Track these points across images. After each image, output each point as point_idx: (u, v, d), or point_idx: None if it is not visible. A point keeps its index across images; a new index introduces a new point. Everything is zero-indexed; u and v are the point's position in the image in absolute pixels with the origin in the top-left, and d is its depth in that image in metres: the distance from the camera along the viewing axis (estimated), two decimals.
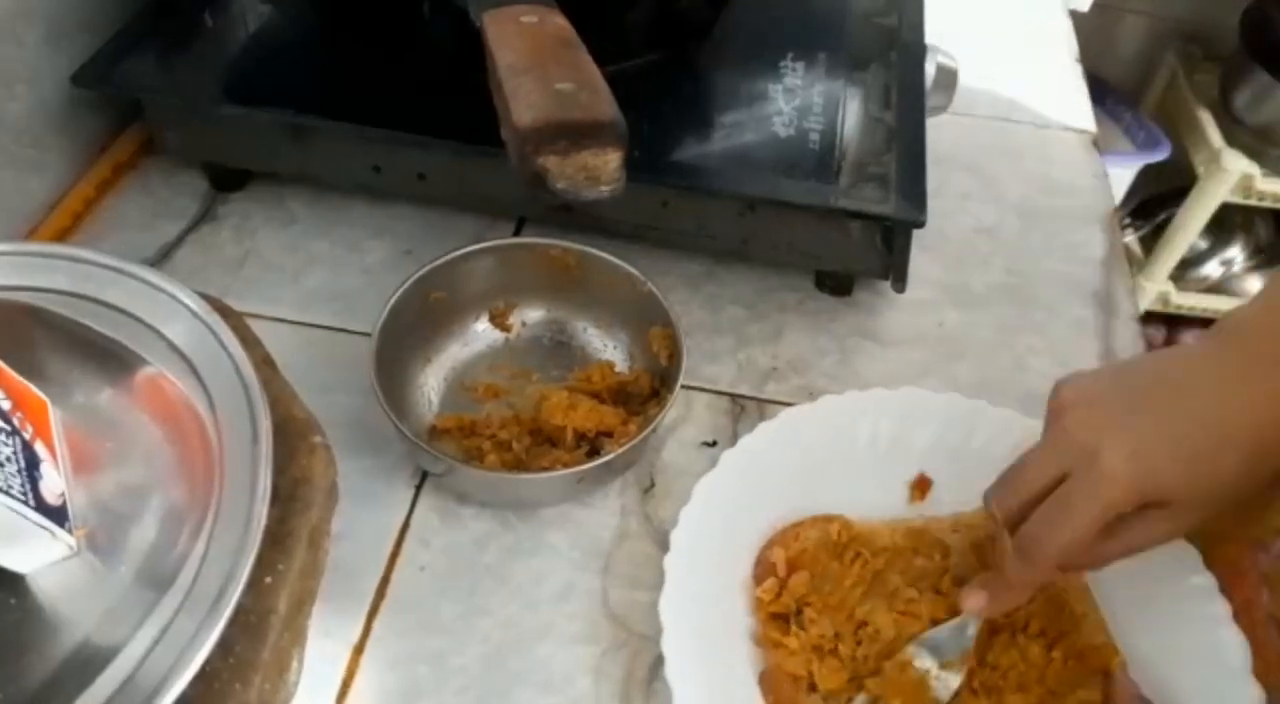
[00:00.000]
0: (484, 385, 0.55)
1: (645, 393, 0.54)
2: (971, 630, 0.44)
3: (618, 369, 0.56)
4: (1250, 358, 0.40)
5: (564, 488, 0.51)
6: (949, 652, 0.44)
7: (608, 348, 0.57)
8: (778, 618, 0.46)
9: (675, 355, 0.52)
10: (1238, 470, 0.39)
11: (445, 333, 0.56)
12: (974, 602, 0.44)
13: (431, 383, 0.55)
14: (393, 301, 0.51)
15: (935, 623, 0.45)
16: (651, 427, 0.49)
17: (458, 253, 0.54)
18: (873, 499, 0.51)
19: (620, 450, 0.47)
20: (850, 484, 0.51)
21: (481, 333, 0.57)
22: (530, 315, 0.58)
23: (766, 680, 0.45)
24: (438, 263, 0.54)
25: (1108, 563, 0.42)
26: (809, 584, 0.47)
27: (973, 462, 0.49)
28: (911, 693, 0.44)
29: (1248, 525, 0.47)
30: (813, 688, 0.44)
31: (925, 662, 0.44)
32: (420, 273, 0.53)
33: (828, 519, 0.49)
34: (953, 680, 0.44)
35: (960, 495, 0.50)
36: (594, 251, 0.55)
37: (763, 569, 0.48)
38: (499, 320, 0.58)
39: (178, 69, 0.61)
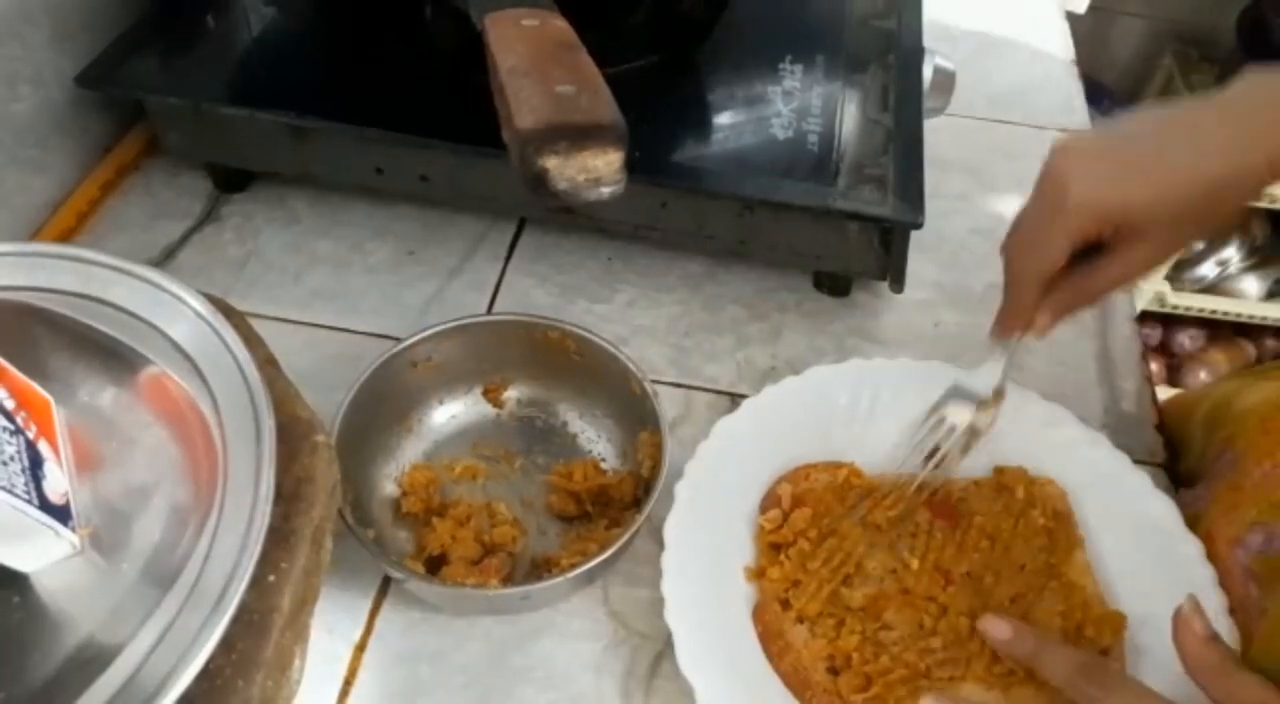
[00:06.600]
0: (462, 465, 0.52)
1: (627, 500, 0.50)
2: (999, 371, 0.50)
3: (605, 467, 0.52)
4: (1231, 112, 0.43)
5: (506, 601, 0.47)
6: (980, 395, 0.50)
7: (600, 440, 0.53)
8: (774, 548, 0.48)
9: (658, 467, 0.47)
10: (1204, 197, 0.42)
11: (431, 402, 0.53)
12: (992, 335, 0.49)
13: (407, 453, 0.52)
14: (375, 365, 0.49)
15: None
16: (607, 552, 0.44)
17: (451, 323, 0.51)
18: (888, 463, 0.51)
19: (569, 575, 0.43)
20: (868, 445, 0.52)
21: (473, 406, 0.54)
22: (523, 394, 0.55)
23: (757, 612, 0.46)
24: (428, 332, 0.51)
25: (1096, 298, 0.46)
26: (809, 520, 0.48)
27: (992, 441, 0.50)
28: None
29: (1227, 526, 0.48)
30: (801, 620, 0.45)
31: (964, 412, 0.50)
32: (411, 339, 0.50)
33: (839, 465, 0.51)
34: (983, 421, 0.50)
35: (976, 472, 0.51)
36: (593, 337, 0.51)
37: (769, 502, 0.49)
38: (493, 395, 0.55)
39: (181, 70, 0.62)
